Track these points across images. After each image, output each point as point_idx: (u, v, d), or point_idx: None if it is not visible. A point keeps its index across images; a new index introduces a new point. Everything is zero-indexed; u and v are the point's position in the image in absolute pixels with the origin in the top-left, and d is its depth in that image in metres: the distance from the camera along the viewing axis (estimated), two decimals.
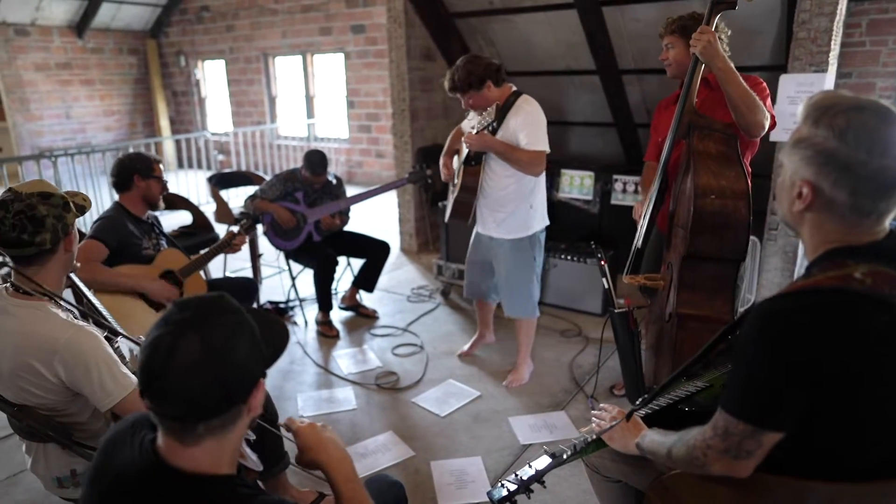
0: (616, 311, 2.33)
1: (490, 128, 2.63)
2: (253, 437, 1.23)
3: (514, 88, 2.73)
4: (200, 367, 0.87)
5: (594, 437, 1.42)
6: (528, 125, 2.63)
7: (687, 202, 2.08)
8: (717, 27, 2.07)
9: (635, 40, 3.87)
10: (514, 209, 2.77)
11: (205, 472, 0.94)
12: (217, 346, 0.89)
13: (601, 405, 1.52)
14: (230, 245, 2.83)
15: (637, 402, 1.44)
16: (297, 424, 1.24)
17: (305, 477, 2.30)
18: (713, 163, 2.06)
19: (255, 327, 0.96)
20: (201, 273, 2.84)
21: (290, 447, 2.03)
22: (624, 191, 4.11)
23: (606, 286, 2.37)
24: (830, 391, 0.96)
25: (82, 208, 1.67)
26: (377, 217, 6.22)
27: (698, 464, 1.09)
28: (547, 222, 2.89)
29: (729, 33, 2.25)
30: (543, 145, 2.66)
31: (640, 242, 2.40)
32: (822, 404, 0.98)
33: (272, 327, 1.05)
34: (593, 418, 1.50)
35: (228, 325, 0.92)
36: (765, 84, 2.19)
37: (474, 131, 2.68)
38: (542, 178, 2.79)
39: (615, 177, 4.08)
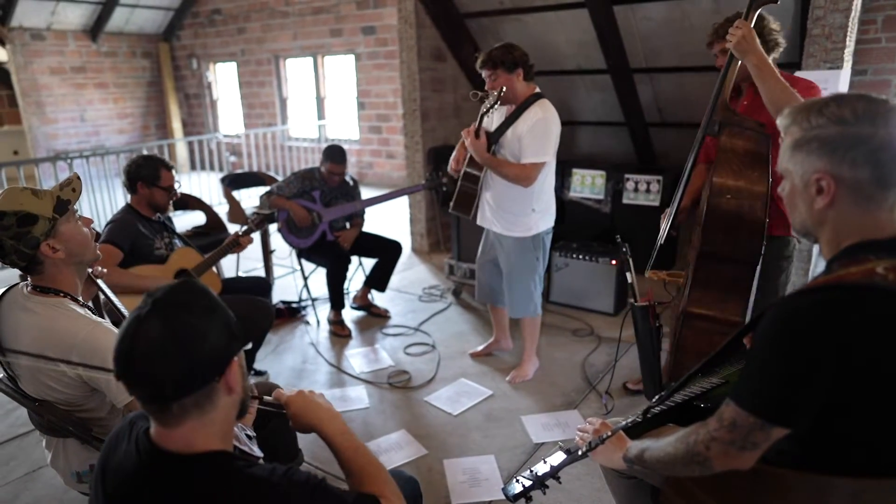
0: (637, 304, 2.28)
1: (493, 107, 2.66)
2: (253, 433, 1.24)
3: (538, 90, 2.72)
4: (161, 348, 0.90)
5: (609, 434, 1.42)
6: (535, 134, 2.62)
7: (705, 199, 2.05)
8: (762, 21, 2.06)
9: (647, 39, 3.86)
10: (516, 210, 2.77)
11: (197, 450, 0.96)
12: (177, 327, 0.92)
13: (587, 419, 1.50)
14: (238, 244, 2.83)
15: (654, 400, 1.43)
16: (286, 396, 1.29)
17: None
18: (737, 161, 2.00)
19: (223, 307, 0.98)
20: (216, 272, 2.86)
21: (304, 444, 2.06)
22: (636, 190, 4.10)
23: (630, 280, 2.33)
24: (854, 387, 0.95)
25: (64, 203, 1.54)
26: (388, 217, 6.24)
27: (699, 459, 1.08)
28: (552, 223, 2.88)
29: (779, 29, 2.18)
30: (542, 156, 2.63)
31: (662, 239, 2.38)
32: (845, 400, 0.96)
33: (256, 308, 1.09)
34: (577, 433, 1.47)
35: (190, 307, 0.95)
36: (819, 89, 2.10)
37: (485, 117, 2.71)
38: (549, 180, 2.79)
39: (627, 176, 4.08)
